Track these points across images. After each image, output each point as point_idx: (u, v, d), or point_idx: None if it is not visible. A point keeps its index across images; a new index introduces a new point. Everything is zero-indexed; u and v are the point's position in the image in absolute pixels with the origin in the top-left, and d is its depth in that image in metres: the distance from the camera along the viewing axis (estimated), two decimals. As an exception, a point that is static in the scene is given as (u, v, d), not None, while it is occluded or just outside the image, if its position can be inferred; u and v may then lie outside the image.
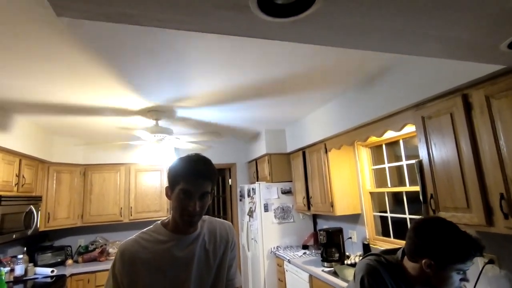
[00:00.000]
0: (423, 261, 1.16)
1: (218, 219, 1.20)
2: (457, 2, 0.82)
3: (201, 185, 0.98)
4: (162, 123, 2.95)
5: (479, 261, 1.78)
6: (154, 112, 2.77)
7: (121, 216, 3.92)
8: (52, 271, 3.13)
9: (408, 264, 1.23)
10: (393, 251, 1.35)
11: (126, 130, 2.79)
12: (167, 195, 1.05)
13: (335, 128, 2.80)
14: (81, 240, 3.96)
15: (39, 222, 3.25)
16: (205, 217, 1.15)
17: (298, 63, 1.96)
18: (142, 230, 1.08)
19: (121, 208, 3.95)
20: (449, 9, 0.85)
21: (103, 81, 2.07)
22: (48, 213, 3.49)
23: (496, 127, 1.45)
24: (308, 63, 1.96)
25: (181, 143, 3.16)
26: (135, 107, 2.68)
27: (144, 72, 1.95)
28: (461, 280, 1.15)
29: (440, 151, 1.74)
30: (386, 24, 0.91)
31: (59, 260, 3.54)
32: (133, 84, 2.15)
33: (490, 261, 1.73)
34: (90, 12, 0.80)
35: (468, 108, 1.59)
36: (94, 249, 3.80)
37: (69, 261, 3.59)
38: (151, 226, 1.09)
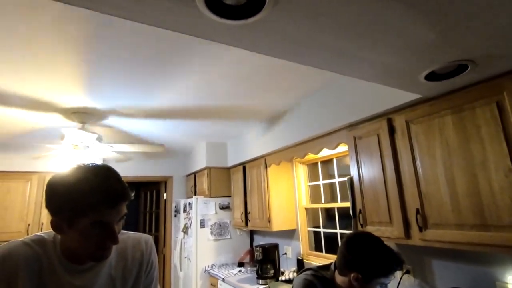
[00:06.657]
0: (352, 274, 1.21)
1: (132, 233, 0.94)
2: (387, 27, 0.90)
3: (120, 210, 0.74)
4: (87, 127, 2.63)
5: (398, 272, 1.94)
6: (81, 115, 2.45)
7: (27, 234, 3.32)
8: None
9: (339, 278, 1.27)
10: (327, 266, 1.39)
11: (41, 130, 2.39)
12: (57, 228, 0.74)
13: (275, 143, 2.86)
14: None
15: None
16: None
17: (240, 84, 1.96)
18: (32, 238, 0.79)
19: (29, 224, 3.37)
20: (380, 33, 0.93)
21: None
22: None
23: (414, 149, 1.63)
24: (252, 79, 1.98)
25: (108, 153, 2.86)
26: (60, 104, 2.28)
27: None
28: None
29: (368, 169, 1.89)
30: (327, 40, 0.95)
31: None
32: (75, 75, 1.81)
33: (407, 272, 1.90)
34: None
35: (392, 131, 1.77)
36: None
37: None
38: (44, 237, 0.80)
